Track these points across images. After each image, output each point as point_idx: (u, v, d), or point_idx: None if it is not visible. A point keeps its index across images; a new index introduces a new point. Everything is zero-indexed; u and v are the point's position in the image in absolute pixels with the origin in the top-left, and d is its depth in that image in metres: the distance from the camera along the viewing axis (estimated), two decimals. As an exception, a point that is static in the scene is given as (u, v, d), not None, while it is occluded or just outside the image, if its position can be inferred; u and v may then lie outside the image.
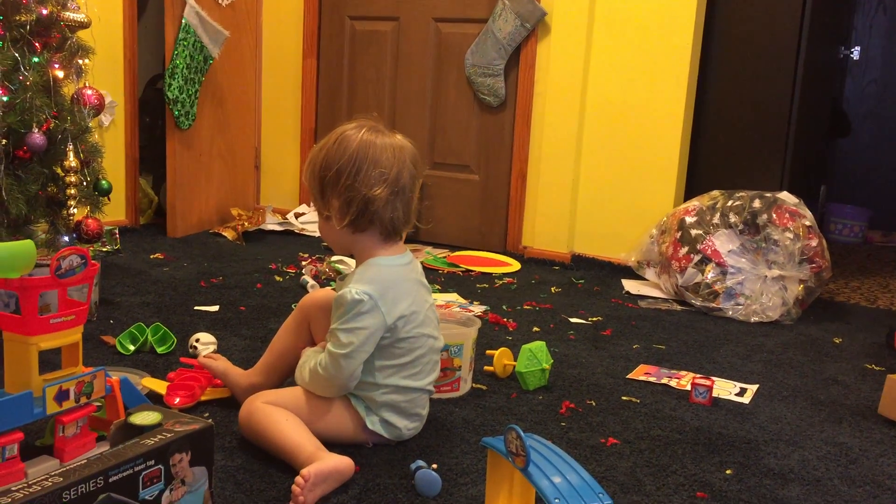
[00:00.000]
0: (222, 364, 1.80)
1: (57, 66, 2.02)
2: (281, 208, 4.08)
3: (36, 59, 1.96)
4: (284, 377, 1.74)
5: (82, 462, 1.09)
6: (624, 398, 1.94)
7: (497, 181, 3.60)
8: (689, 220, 2.88)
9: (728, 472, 1.58)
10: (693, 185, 3.35)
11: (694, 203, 2.95)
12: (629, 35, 3.24)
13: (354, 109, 3.93)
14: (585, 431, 1.73)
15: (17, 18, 2.02)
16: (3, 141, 1.82)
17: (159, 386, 1.79)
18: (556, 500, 1.14)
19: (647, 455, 1.63)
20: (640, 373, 2.12)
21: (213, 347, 2.04)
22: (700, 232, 2.83)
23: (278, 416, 1.51)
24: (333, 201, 1.55)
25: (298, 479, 1.34)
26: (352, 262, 1.78)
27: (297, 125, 4.07)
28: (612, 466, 1.56)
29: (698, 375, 2.07)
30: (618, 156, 3.33)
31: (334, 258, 3.08)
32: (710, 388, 1.93)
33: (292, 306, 2.55)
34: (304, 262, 3.11)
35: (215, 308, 2.50)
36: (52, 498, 1.01)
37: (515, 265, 3.38)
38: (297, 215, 3.98)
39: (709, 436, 1.75)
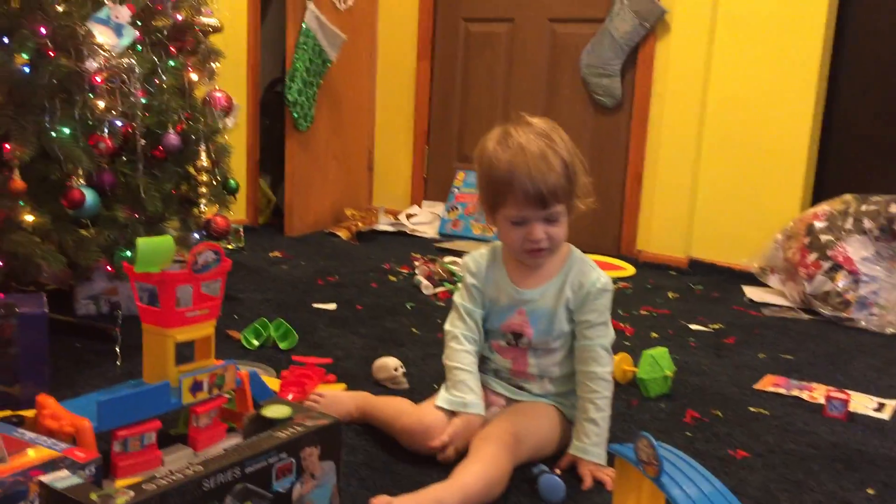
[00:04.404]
0: (329, 395, 1.72)
1: (191, 69, 2.10)
2: (392, 209, 4.13)
3: (172, 63, 2.04)
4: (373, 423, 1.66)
5: (220, 452, 1.11)
6: (752, 409, 1.85)
7: (611, 183, 3.53)
8: (819, 225, 2.74)
9: (870, 491, 1.49)
10: (822, 188, 3.18)
11: (824, 207, 2.81)
12: (755, 32, 3.12)
13: (467, 112, 3.94)
14: (712, 442, 1.66)
15: (154, 24, 2.11)
16: (143, 141, 1.91)
17: (272, 384, 1.82)
18: (693, 513, 1.09)
19: (781, 470, 1.55)
20: (768, 383, 2.03)
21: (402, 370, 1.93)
22: (830, 238, 2.69)
23: (493, 466, 1.38)
24: (578, 197, 1.52)
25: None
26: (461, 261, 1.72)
27: (409, 127, 4.11)
28: (744, 480, 1.50)
29: (832, 388, 1.96)
30: (740, 157, 3.21)
31: (447, 259, 3.09)
32: (846, 402, 1.83)
33: (407, 306, 2.58)
34: (416, 263, 3.13)
35: (333, 306, 2.54)
36: (193, 486, 1.03)
37: (630, 269, 3.31)
38: (409, 216, 4.02)
39: (846, 452, 1.65)
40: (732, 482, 1.48)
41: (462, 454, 1.45)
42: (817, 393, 1.96)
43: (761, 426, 1.76)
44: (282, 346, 2.10)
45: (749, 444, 1.66)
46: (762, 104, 3.14)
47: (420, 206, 4.12)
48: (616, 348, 2.15)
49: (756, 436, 1.70)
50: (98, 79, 1.84)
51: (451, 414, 1.53)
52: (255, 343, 2.11)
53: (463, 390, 1.55)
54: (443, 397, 1.56)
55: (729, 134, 3.22)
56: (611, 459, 1.43)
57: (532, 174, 1.43)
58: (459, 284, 1.70)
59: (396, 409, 1.59)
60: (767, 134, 3.14)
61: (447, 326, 1.63)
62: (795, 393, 1.96)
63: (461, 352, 1.59)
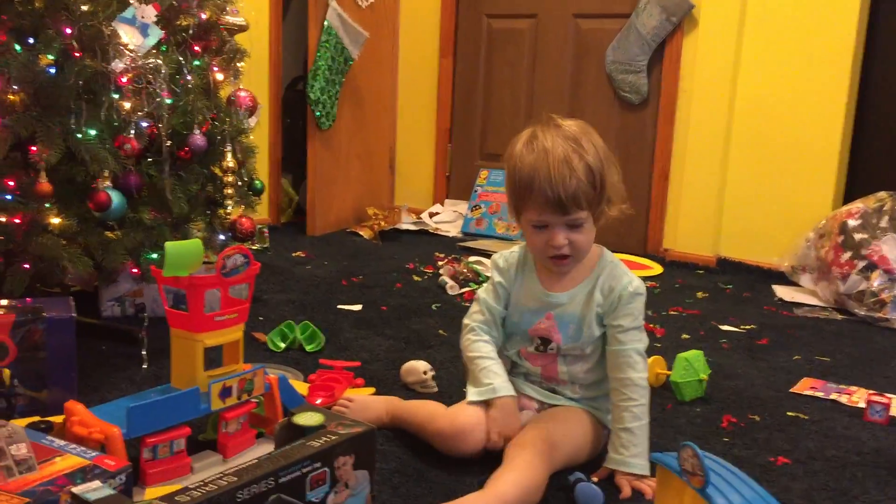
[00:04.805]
0: (358, 400, 1.69)
1: (216, 68, 2.08)
2: (415, 208, 4.10)
3: (197, 63, 2.02)
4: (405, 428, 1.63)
5: (253, 462, 1.09)
6: (790, 413, 1.81)
7: (637, 181, 3.48)
8: (853, 223, 2.68)
9: (918, 500, 1.44)
10: (855, 185, 3.11)
11: (858, 205, 2.75)
12: (785, 25, 3.05)
13: (490, 109, 3.90)
14: (752, 448, 1.62)
15: (179, 23, 2.09)
16: (169, 142, 1.89)
17: (300, 387, 1.79)
18: (742, 526, 1.05)
19: (823, 477, 1.50)
20: (805, 386, 1.98)
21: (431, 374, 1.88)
22: (865, 236, 2.63)
23: (528, 474, 1.35)
24: (611, 204, 1.48)
25: None
26: (489, 262, 1.66)
27: (432, 125, 4.07)
28: (786, 488, 1.45)
29: (872, 391, 1.91)
30: (770, 154, 3.15)
31: (472, 258, 3.05)
32: (887, 406, 1.78)
33: (433, 307, 2.55)
34: (441, 263, 3.10)
35: (358, 307, 2.51)
36: (228, 497, 1.01)
37: (657, 268, 3.26)
38: (432, 215, 3.99)
39: (890, 458, 1.60)
40: (775, 490, 1.44)
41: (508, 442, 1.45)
42: (856, 396, 1.91)
43: (801, 431, 1.71)
44: (308, 348, 2.08)
45: (789, 450, 1.62)
46: (793, 99, 3.08)
47: (443, 204, 4.08)
48: (648, 350, 2.11)
49: (796, 441, 1.66)
50: (124, 79, 1.82)
51: (485, 405, 1.50)
52: (282, 345, 2.08)
53: (489, 377, 1.52)
54: (472, 391, 1.54)
55: (758, 130, 3.16)
56: (651, 467, 1.39)
57: (552, 179, 1.40)
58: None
59: (429, 413, 1.57)
60: (798, 129, 3.08)
61: (465, 320, 1.62)
62: (834, 396, 1.91)
63: (478, 341, 1.57)
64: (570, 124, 1.47)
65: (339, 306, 2.51)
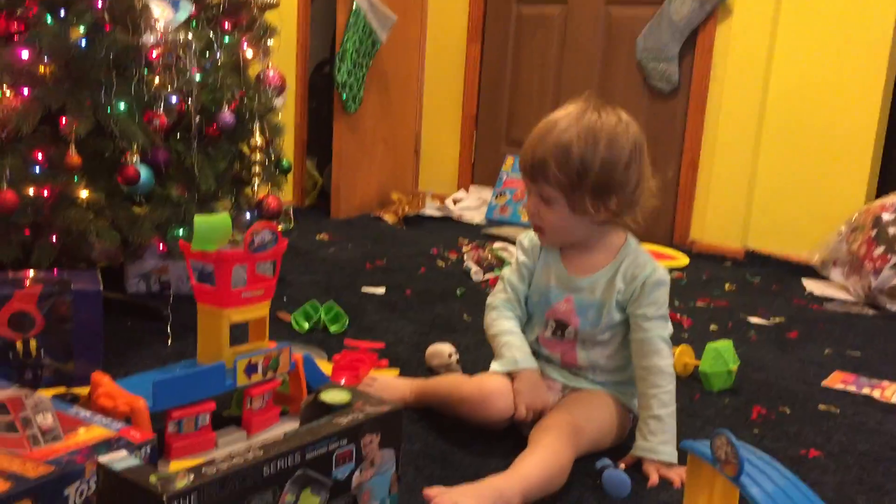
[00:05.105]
0: (381, 379, 1.70)
1: (246, 45, 2.07)
2: (439, 193, 4.08)
3: (227, 39, 2.01)
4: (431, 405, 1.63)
5: (280, 437, 1.08)
6: (821, 407, 1.77)
7: (666, 170, 3.43)
8: (887, 217, 2.63)
9: (954, 497, 1.41)
10: (889, 179, 3.05)
11: (892, 199, 2.70)
12: (821, 13, 2.99)
13: (517, 96, 3.87)
14: (782, 440, 1.59)
15: (210, -1, 2.08)
16: (197, 118, 1.88)
17: (324, 367, 1.78)
18: (776, 516, 1.03)
19: (857, 472, 1.47)
20: (837, 380, 1.94)
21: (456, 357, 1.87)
22: (899, 230, 2.58)
23: (553, 457, 1.34)
24: (591, 198, 1.42)
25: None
26: (513, 249, 1.65)
27: (458, 111, 4.04)
28: (818, 482, 1.43)
29: (905, 387, 1.87)
30: (803, 145, 3.09)
31: (496, 245, 3.03)
32: (921, 403, 1.74)
33: (457, 292, 2.53)
34: (465, 249, 3.08)
35: (382, 290, 2.50)
36: (254, 471, 1.00)
37: (683, 259, 3.22)
38: (455, 201, 3.97)
39: (924, 455, 1.57)
40: (806, 483, 1.41)
41: (536, 417, 1.45)
42: (889, 391, 1.87)
43: (832, 425, 1.68)
44: (332, 329, 2.07)
45: (821, 443, 1.59)
46: (827, 89, 3.02)
47: (467, 190, 4.06)
48: (675, 340, 2.08)
49: (828, 435, 1.63)
50: (154, 54, 1.81)
51: (509, 378, 1.50)
52: (306, 325, 2.07)
53: (510, 350, 1.52)
54: (494, 364, 1.54)
55: (791, 120, 3.11)
56: (681, 456, 1.37)
57: (529, 142, 1.44)
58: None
59: (454, 382, 1.59)
60: (832, 120, 3.02)
61: (489, 299, 1.62)
62: (866, 391, 1.88)
63: (500, 319, 1.57)
64: (608, 115, 1.43)
65: (363, 289, 2.50)
